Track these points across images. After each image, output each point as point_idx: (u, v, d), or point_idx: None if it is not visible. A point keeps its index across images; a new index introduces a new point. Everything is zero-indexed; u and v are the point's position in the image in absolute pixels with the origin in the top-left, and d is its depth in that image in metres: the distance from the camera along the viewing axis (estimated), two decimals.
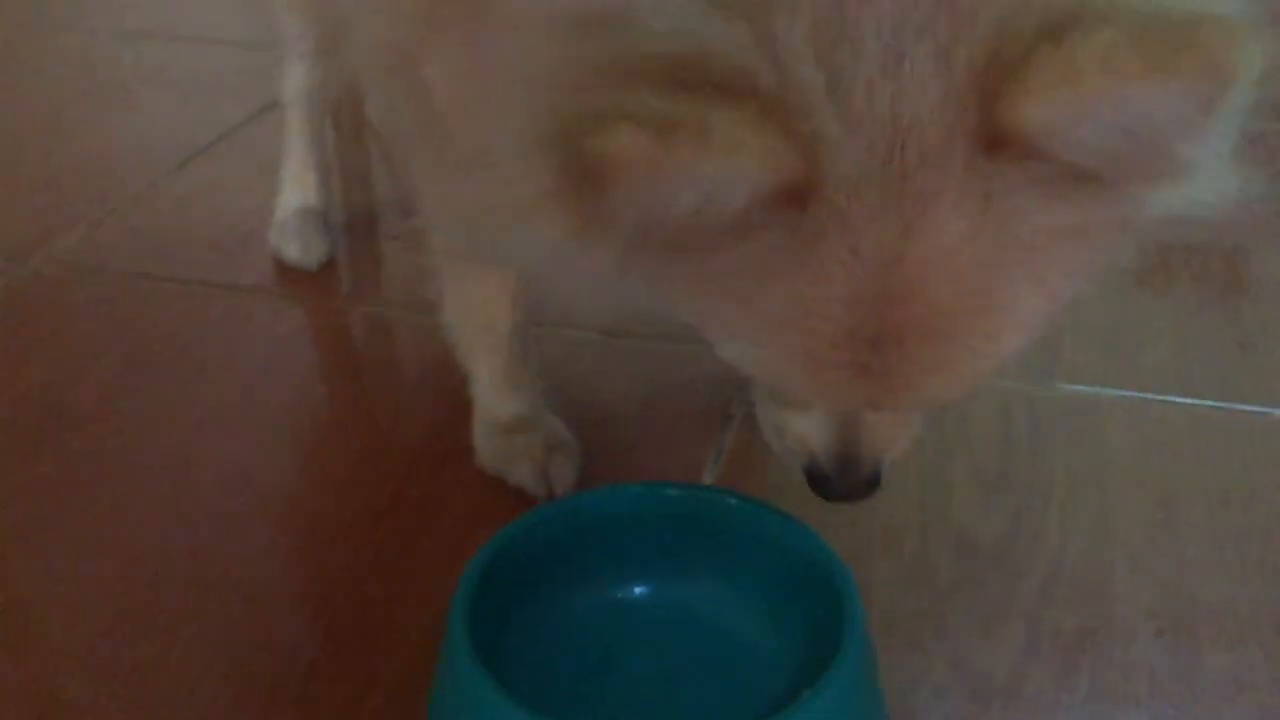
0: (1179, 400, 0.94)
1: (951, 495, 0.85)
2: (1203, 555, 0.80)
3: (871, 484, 0.62)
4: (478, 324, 0.84)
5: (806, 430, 0.63)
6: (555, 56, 0.47)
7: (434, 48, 0.61)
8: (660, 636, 0.70)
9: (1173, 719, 0.68)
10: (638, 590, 0.72)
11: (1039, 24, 0.43)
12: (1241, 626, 0.74)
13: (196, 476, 0.88)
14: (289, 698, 0.70)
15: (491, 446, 0.86)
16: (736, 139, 0.42)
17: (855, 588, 0.64)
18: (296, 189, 1.16)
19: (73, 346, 1.03)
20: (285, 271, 1.13)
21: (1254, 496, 0.85)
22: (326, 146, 1.20)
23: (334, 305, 1.11)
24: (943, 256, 0.47)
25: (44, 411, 0.94)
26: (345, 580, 0.79)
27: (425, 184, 0.74)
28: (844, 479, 0.62)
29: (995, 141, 0.45)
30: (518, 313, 0.83)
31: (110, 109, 1.52)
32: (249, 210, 1.25)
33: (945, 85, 0.45)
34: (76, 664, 0.72)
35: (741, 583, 0.70)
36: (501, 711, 0.57)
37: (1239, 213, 0.49)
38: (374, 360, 1.07)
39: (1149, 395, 0.95)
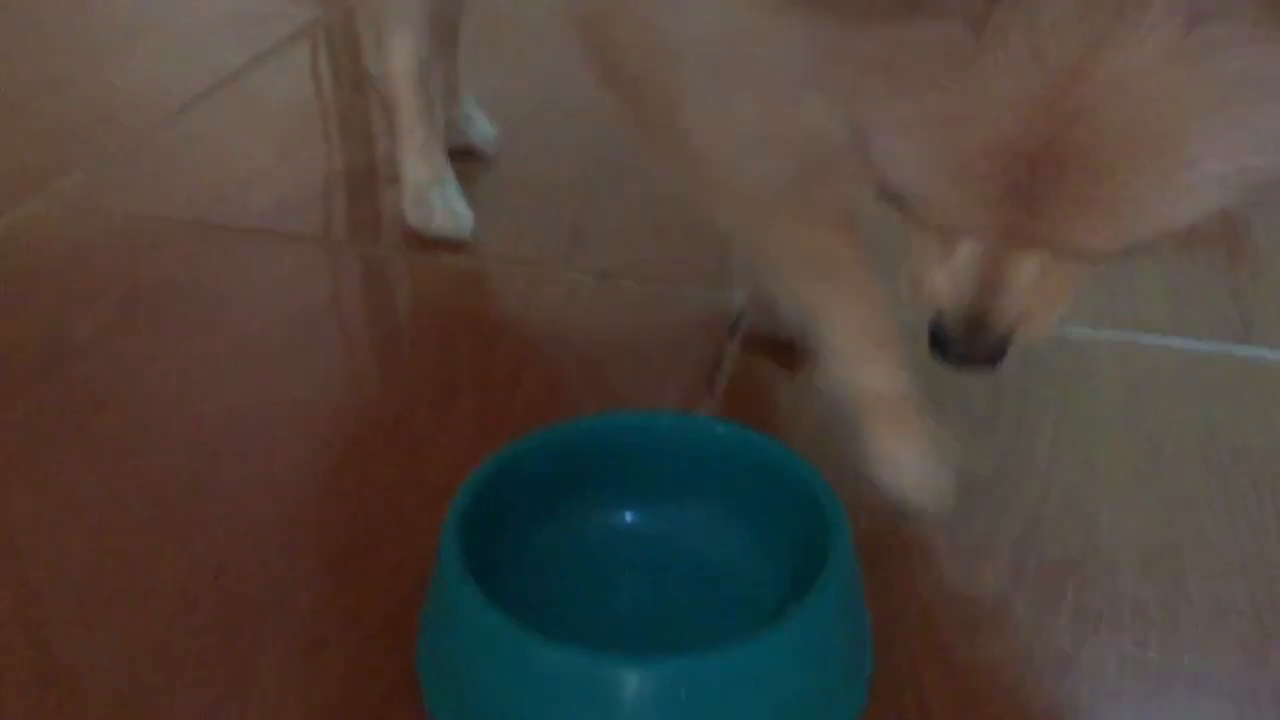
0: (1168, 341, 0.95)
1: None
2: (1188, 491, 0.81)
3: (997, 352, 0.57)
4: (818, 268, 0.73)
5: (943, 280, 0.57)
6: None
7: None
8: (649, 559, 0.71)
9: (1155, 644, 0.69)
10: (628, 516, 0.72)
11: None
12: (1225, 558, 0.75)
13: (192, 410, 0.88)
14: (283, 627, 0.71)
15: None
16: None
17: (842, 511, 0.64)
18: (424, 164, 1.10)
19: (72, 285, 1.03)
20: (283, 214, 1.14)
21: (1241, 435, 0.86)
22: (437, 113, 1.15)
23: (331, 247, 1.12)
24: (1131, 78, 0.43)
25: (43, 346, 0.95)
26: (340, 510, 0.80)
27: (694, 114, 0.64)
28: (968, 338, 0.56)
29: None
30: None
31: (110, 55, 1.52)
32: (249, 154, 1.26)
33: None
34: (69, 591, 0.73)
35: (730, 508, 0.71)
36: (486, 620, 0.58)
37: None
38: (371, 300, 1.08)
39: (1139, 336, 0.96)
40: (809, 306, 0.74)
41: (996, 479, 0.82)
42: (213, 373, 0.92)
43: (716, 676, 0.58)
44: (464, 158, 1.19)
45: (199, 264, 1.06)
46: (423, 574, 0.67)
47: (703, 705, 0.58)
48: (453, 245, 1.09)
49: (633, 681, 0.58)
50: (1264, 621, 0.71)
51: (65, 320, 0.98)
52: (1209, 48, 0.43)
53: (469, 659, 0.61)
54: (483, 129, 1.24)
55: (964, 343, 0.57)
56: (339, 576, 0.74)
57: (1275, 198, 0.50)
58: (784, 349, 0.89)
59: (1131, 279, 1.02)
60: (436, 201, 1.09)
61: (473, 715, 0.61)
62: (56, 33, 1.59)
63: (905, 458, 0.73)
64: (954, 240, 0.56)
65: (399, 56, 1.09)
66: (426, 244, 1.09)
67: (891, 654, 0.68)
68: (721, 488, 0.71)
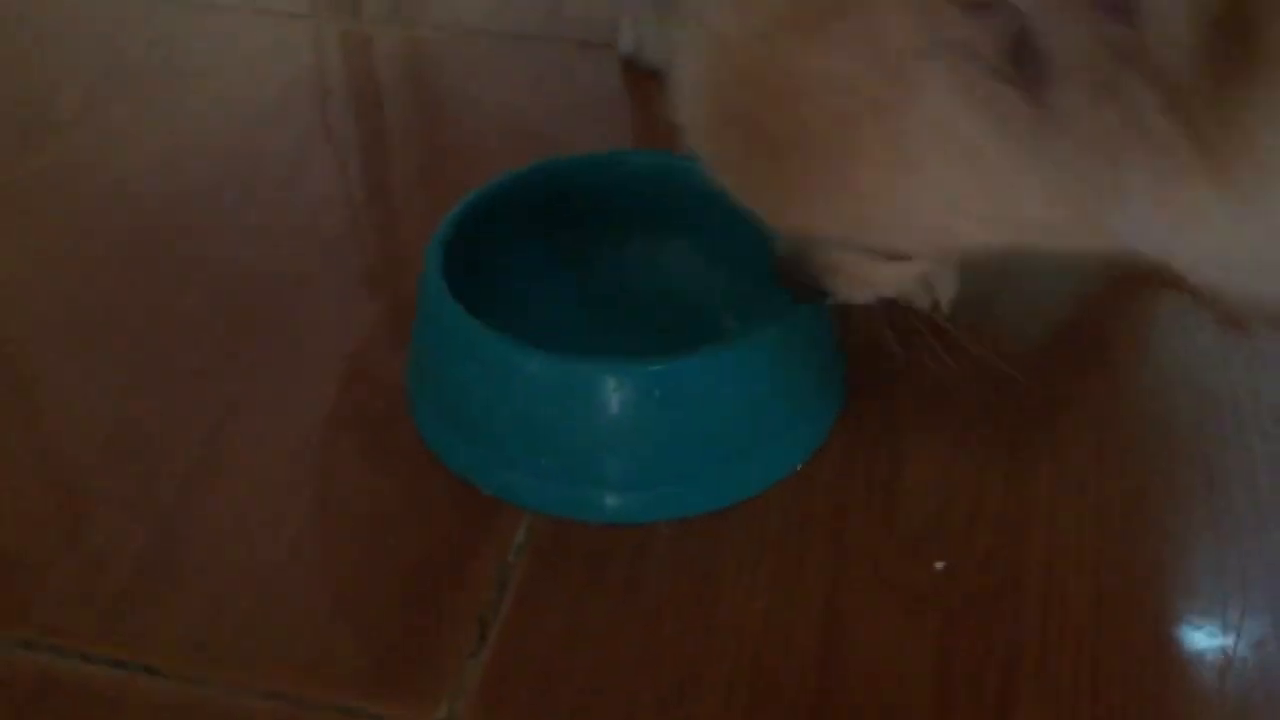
0: None
1: None
2: None
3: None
4: None
5: None
6: None
7: None
8: (626, 285, 0.74)
9: None
10: (605, 247, 0.75)
11: None
12: None
13: (181, 166, 0.90)
14: (273, 355, 0.74)
15: None
16: None
17: None
18: None
19: (53, 61, 1.04)
20: None
21: None
22: None
23: (311, 21, 1.12)
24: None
25: (29, 117, 0.96)
26: (331, 253, 0.82)
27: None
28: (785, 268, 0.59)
29: None
30: None
31: None
32: None
33: None
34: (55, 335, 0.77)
35: (706, 237, 0.73)
36: (466, 328, 0.62)
37: None
38: (351, 73, 1.08)
39: None
40: None
41: None
42: (200, 134, 0.94)
43: (685, 378, 0.62)
44: None
45: (181, 38, 1.07)
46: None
47: (676, 403, 0.62)
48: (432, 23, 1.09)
49: (611, 383, 0.61)
50: None
51: (50, 92, 0.99)
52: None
53: (450, 364, 0.64)
54: None
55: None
56: (334, 307, 0.77)
57: None
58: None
59: None
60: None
61: (453, 418, 0.65)
62: None
63: None
64: None
65: None
66: (405, 18, 1.10)
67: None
68: (696, 218, 0.73)
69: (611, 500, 0.63)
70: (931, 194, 0.45)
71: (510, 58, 1.04)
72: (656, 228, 0.75)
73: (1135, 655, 0.57)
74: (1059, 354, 0.75)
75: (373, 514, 0.64)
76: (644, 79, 0.97)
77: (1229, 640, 0.58)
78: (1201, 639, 0.58)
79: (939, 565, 0.61)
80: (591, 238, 0.75)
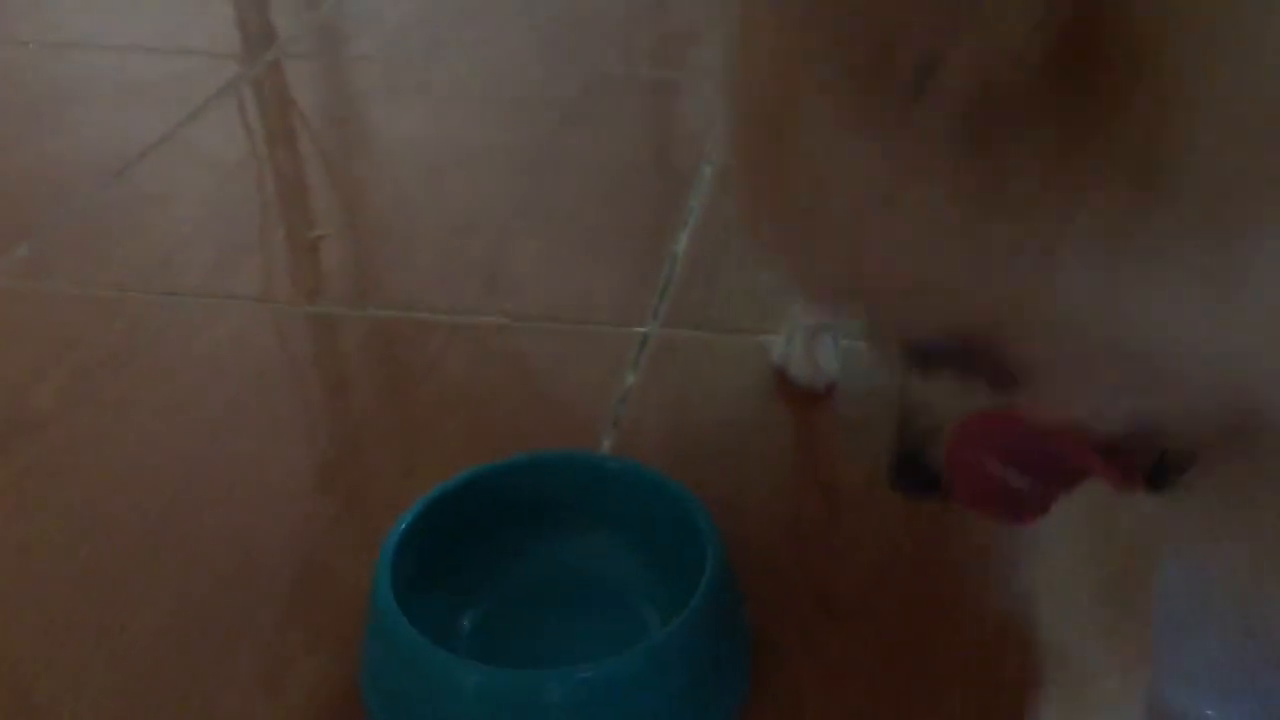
0: None
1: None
2: None
3: None
4: None
5: None
6: None
7: None
8: (549, 582, 0.83)
9: None
10: (542, 543, 0.84)
11: None
12: None
13: (152, 465, 0.98)
14: (245, 661, 0.81)
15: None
16: None
17: (713, 526, 0.76)
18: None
19: (25, 358, 1.12)
20: (222, 275, 1.23)
21: None
22: None
23: (276, 306, 1.21)
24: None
25: (5, 415, 1.04)
26: (293, 554, 0.90)
27: None
28: None
29: None
30: None
31: (40, 124, 1.58)
32: (187, 215, 1.35)
33: None
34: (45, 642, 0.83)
35: (620, 534, 0.82)
36: (413, 645, 0.70)
37: None
38: (320, 357, 1.18)
39: None
40: None
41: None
42: (167, 437, 1.02)
43: (608, 683, 0.70)
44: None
45: (146, 331, 1.16)
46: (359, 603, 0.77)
47: (604, 705, 0.70)
48: (393, 301, 1.19)
49: (548, 690, 0.69)
50: None
51: (20, 394, 1.07)
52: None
53: (402, 680, 0.72)
54: None
55: None
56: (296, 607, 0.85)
57: None
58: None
59: None
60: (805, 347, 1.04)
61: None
62: None
63: None
64: None
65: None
66: (368, 298, 1.20)
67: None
68: (610, 514, 0.83)
69: None
70: None
71: (450, 335, 1.14)
72: (587, 521, 0.84)
73: None
74: None
75: None
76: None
77: None
78: None
79: None
80: (529, 532, 0.84)
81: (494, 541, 0.82)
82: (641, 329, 1.12)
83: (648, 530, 0.81)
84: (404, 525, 0.77)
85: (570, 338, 1.12)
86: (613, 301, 1.16)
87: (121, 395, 1.07)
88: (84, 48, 1.79)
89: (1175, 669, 0.72)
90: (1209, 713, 0.73)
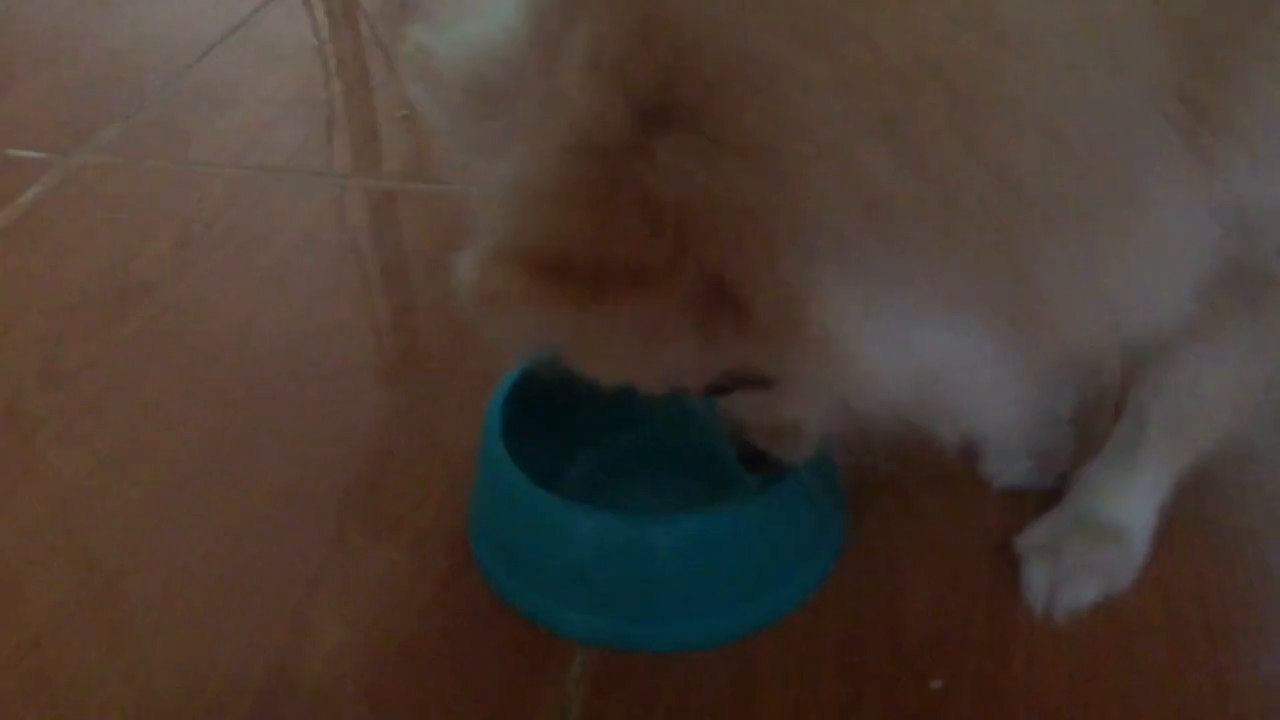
0: None
1: None
2: None
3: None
4: None
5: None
6: None
7: None
8: (649, 440, 0.86)
9: None
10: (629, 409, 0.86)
11: None
12: None
13: (257, 333, 1.02)
14: (353, 518, 0.85)
15: None
16: None
17: None
18: None
19: (129, 230, 1.16)
20: (305, 153, 1.26)
21: None
22: None
23: (365, 181, 1.24)
24: None
25: (111, 289, 1.08)
26: (393, 418, 0.94)
27: None
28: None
29: None
30: None
31: (123, 10, 1.61)
32: (267, 97, 1.38)
33: None
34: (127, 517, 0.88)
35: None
36: (530, 495, 0.73)
37: None
38: (377, 227, 1.20)
39: None
40: None
41: None
42: (270, 305, 1.06)
43: (716, 530, 0.73)
44: None
45: (241, 204, 1.19)
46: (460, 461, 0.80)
47: (709, 551, 0.73)
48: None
49: (656, 536, 0.73)
50: None
51: (126, 261, 1.11)
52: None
53: (513, 522, 0.76)
54: None
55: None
56: (400, 470, 0.88)
57: None
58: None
59: None
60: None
61: (514, 565, 0.76)
62: None
63: None
64: None
65: None
66: (427, 173, 1.22)
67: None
68: None
69: (655, 632, 0.74)
70: None
71: None
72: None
73: None
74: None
75: (440, 652, 0.75)
76: None
77: None
78: None
79: (935, 684, 0.71)
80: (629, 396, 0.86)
81: (597, 401, 0.85)
82: None
83: None
84: (511, 380, 0.80)
85: None
86: None
87: (221, 265, 1.10)
88: None
89: None
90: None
